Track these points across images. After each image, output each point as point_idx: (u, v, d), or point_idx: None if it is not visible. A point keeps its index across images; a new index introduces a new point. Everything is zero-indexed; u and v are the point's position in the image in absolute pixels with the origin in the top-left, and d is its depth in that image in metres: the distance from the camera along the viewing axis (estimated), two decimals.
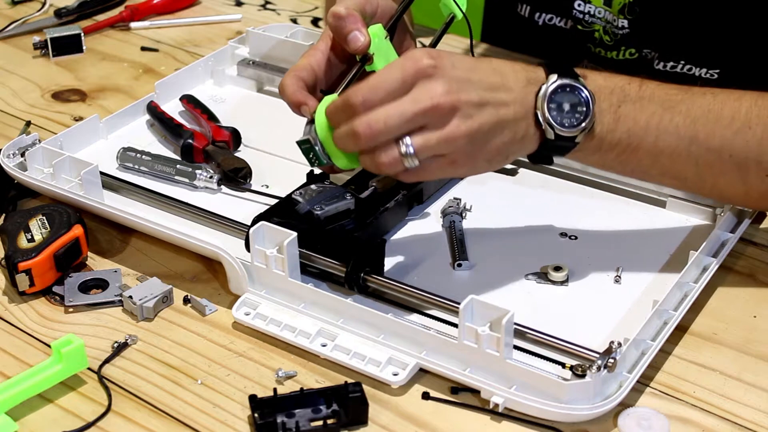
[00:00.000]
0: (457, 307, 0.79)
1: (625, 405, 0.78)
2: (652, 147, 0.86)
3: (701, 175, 0.88)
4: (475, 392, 0.80)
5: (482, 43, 1.36)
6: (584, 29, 1.25)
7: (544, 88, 0.83)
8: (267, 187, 1.04)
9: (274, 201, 0.98)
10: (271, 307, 0.88)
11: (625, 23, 1.20)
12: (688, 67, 1.21)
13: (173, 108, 1.17)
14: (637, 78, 0.88)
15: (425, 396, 0.81)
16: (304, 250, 0.88)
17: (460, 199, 0.99)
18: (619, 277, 0.91)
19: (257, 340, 0.86)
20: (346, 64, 0.94)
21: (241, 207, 1.01)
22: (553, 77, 0.83)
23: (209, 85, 1.23)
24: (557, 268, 0.91)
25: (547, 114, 0.82)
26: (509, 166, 1.07)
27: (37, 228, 0.92)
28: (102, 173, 1.00)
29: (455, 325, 0.81)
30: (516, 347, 0.81)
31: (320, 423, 0.77)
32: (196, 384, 0.82)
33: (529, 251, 0.95)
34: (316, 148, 0.86)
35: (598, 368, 0.76)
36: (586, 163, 0.90)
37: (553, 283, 0.91)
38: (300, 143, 0.87)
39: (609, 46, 1.24)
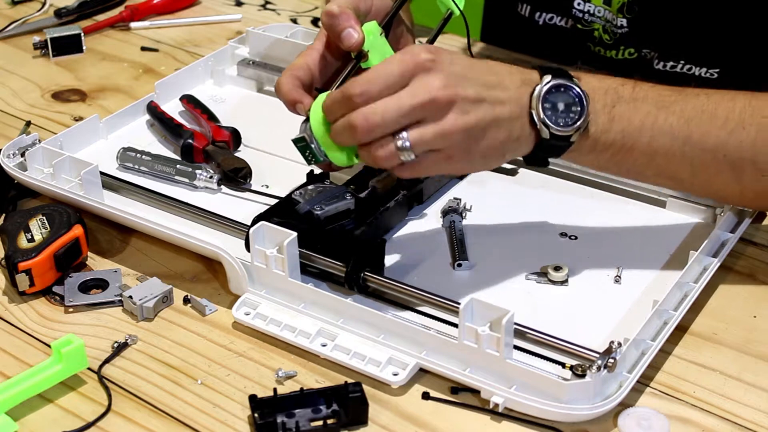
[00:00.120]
0: (457, 307, 0.79)
1: (625, 405, 0.78)
2: (646, 147, 0.86)
3: (696, 175, 0.88)
4: (475, 392, 0.80)
5: (481, 42, 1.35)
6: (584, 28, 1.25)
7: (538, 88, 0.83)
8: (267, 187, 1.04)
9: (274, 201, 0.98)
10: (271, 307, 0.88)
11: (624, 22, 1.20)
12: (687, 66, 1.21)
13: (173, 108, 1.17)
14: (630, 80, 0.88)
15: (425, 396, 0.81)
16: (304, 250, 0.88)
17: (460, 199, 0.99)
18: (619, 277, 0.91)
19: (257, 340, 0.86)
20: (342, 62, 0.94)
21: (241, 207, 1.01)
22: (547, 78, 0.84)
23: (209, 85, 1.23)
24: (557, 268, 0.91)
25: (542, 113, 0.83)
26: (509, 166, 1.07)
27: (37, 228, 0.92)
28: (102, 173, 1.00)
29: (455, 325, 0.81)
30: (516, 347, 0.81)
31: (320, 423, 0.77)
32: (196, 384, 0.82)
33: (529, 251, 0.95)
34: (312, 145, 0.86)
35: (598, 368, 0.76)
36: (581, 164, 0.91)
37: (553, 283, 0.91)
38: (295, 141, 0.87)
39: (608, 45, 1.24)
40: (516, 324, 0.80)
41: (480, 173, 1.06)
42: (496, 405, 0.78)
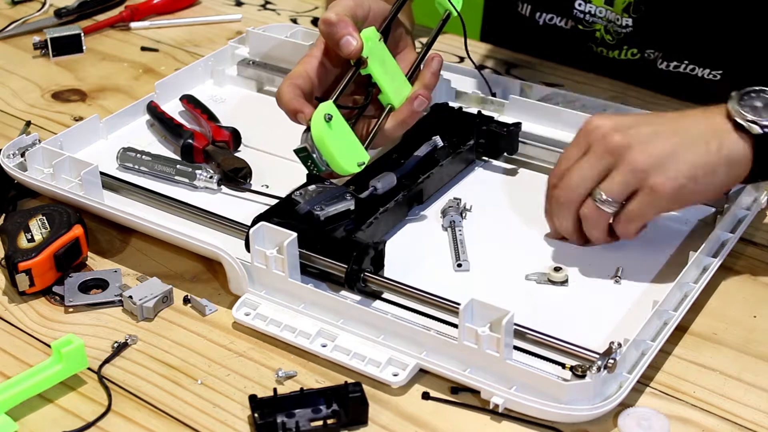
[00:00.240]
0: (457, 308, 0.79)
1: (625, 405, 0.78)
2: None
3: None
4: (475, 392, 0.80)
5: (481, 43, 1.35)
6: (585, 29, 1.25)
7: (731, 100, 0.87)
8: (267, 187, 1.04)
9: (274, 201, 0.98)
10: (271, 307, 0.88)
11: (629, 22, 1.20)
12: (691, 67, 1.21)
13: (173, 108, 1.17)
14: None
15: (425, 396, 0.81)
16: (304, 251, 0.88)
17: (460, 199, 0.99)
18: (619, 277, 0.91)
19: (257, 341, 0.86)
20: (341, 69, 0.94)
21: (241, 207, 1.01)
22: (733, 93, 0.88)
23: (209, 85, 1.23)
24: (557, 269, 0.91)
25: (744, 114, 0.86)
26: (509, 166, 1.07)
27: (37, 228, 0.92)
28: (102, 173, 1.00)
29: (455, 326, 0.80)
30: (516, 348, 0.81)
31: (320, 423, 0.77)
32: (196, 384, 0.82)
33: (529, 251, 0.95)
34: (314, 155, 0.86)
35: (598, 369, 0.76)
36: None
37: (553, 283, 0.91)
38: (297, 151, 0.87)
39: (611, 46, 1.24)
40: (516, 324, 0.80)
41: (479, 173, 1.06)
42: (496, 405, 0.78)
